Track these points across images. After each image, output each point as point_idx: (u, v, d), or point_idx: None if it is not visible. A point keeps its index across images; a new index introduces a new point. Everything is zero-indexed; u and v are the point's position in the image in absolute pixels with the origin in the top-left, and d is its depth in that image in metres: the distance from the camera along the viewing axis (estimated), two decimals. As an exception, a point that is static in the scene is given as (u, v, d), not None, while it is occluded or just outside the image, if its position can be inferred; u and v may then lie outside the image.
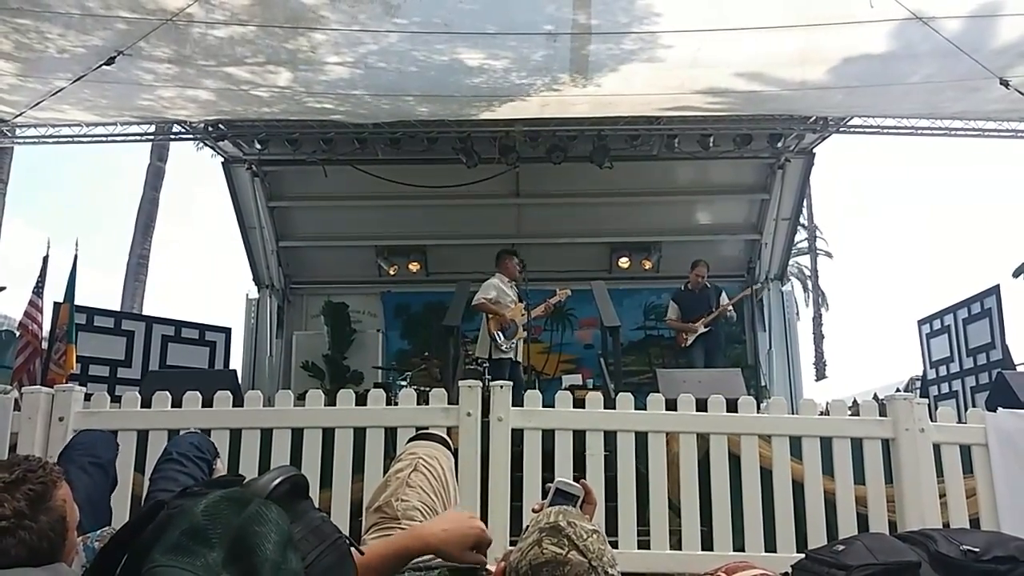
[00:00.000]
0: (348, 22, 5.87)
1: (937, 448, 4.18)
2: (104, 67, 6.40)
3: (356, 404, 4.27)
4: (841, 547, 2.76)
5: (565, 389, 4.64)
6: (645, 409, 4.28)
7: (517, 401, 4.20)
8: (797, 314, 13.68)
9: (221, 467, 3.10)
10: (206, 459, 2.93)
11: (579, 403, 4.29)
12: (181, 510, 1.30)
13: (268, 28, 5.97)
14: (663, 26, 5.90)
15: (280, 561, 1.25)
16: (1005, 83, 6.57)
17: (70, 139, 9.28)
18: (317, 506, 1.58)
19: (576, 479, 1.90)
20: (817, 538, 3.98)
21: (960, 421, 4.38)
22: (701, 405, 4.26)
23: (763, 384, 10.33)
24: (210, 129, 9.85)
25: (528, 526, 1.57)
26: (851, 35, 6.02)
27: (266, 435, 4.15)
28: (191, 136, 10.40)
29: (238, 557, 1.23)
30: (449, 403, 4.19)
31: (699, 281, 9.19)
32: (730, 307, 9.18)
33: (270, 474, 1.43)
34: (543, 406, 4.25)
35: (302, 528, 1.40)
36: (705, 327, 9.03)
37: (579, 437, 4.16)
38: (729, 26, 5.90)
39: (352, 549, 1.57)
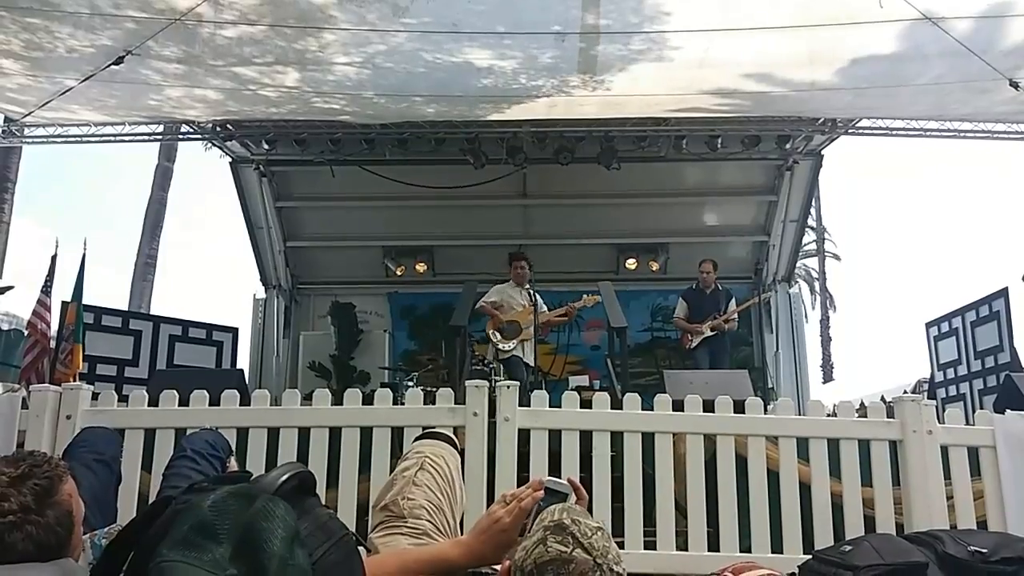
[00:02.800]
0: (357, 22, 5.88)
1: (945, 450, 4.17)
2: (113, 67, 6.42)
3: (363, 404, 4.28)
4: (848, 547, 2.75)
5: (572, 390, 4.64)
6: (652, 410, 4.28)
7: (524, 401, 4.21)
8: (805, 316, 13.69)
9: (234, 465, 3.09)
10: (219, 457, 2.92)
11: (586, 404, 4.29)
12: (188, 505, 1.30)
13: (277, 28, 5.98)
14: (672, 26, 5.90)
15: (287, 557, 1.25)
16: (1015, 84, 6.54)
17: (79, 139, 9.31)
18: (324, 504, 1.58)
19: (581, 480, 1.89)
20: (824, 540, 3.97)
21: (968, 423, 4.37)
22: (708, 406, 4.26)
23: (770, 386, 10.29)
24: (218, 129, 9.86)
25: (532, 524, 1.57)
26: (860, 35, 6.00)
27: (273, 435, 4.16)
28: (199, 136, 10.42)
29: (245, 552, 1.22)
30: (456, 403, 4.20)
31: (707, 280, 9.13)
32: (734, 316, 9.12)
33: (278, 470, 1.43)
34: (550, 406, 4.25)
35: (309, 524, 1.40)
36: (711, 331, 8.99)
37: (586, 438, 4.16)
38: (738, 26, 5.90)
39: (359, 547, 1.57)
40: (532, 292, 8.06)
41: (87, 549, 2.13)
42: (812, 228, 26.28)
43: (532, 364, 8.05)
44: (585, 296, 8.31)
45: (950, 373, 9.93)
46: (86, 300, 8.59)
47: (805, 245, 23.61)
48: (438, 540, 2.06)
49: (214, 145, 10.56)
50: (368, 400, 4.31)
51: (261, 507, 1.30)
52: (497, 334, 7.98)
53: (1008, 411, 4.37)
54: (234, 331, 10.61)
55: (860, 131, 9.69)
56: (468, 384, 4.21)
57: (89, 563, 2.01)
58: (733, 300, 9.24)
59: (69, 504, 1.83)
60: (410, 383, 8.35)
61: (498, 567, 1.75)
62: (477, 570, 1.82)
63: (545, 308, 8.20)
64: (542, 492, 1.74)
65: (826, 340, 30.04)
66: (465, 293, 8.38)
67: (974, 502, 4.13)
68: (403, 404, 4.39)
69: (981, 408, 6.44)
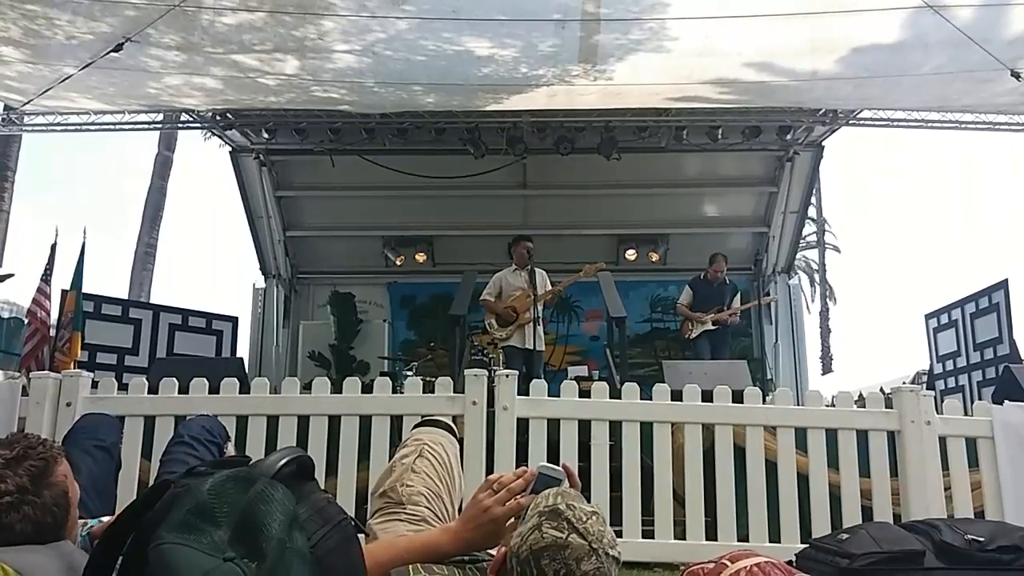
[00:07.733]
0: (357, 9, 5.86)
1: (943, 441, 4.18)
2: (112, 54, 6.40)
3: (362, 392, 4.28)
4: (845, 536, 2.77)
5: (571, 380, 4.65)
6: (651, 399, 4.29)
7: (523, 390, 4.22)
8: (806, 308, 13.70)
9: (232, 451, 3.09)
10: (217, 443, 2.93)
11: (585, 394, 4.30)
12: (187, 489, 1.30)
13: (277, 15, 5.96)
14: (672, 14, 5.88)
15: (286, 540, 1.26)
16: (1016, 75, 6.52)
17: (78, 127, 9.28)
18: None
19: (580, 469, 1.89)
20: (821, 530, 3.99)
21: (966, 415, 4.37)
22: (707, 396, 4.27)
23: (769, 377, 10.28)
24: (218, 118, 9.84)
25: (527, 509, 1.57)
26: (862, 24, 5.98)
27: (272, 423, 4.17)
28: (199, 125, 10.41)
29: (244, 535, 1.23)
30: (455, 392, 4.20)
31: (718, 276, 9.08)
32: (737, 314, 9.07)
33: (276, 455, 1.43)
34: (549, 396, 4.26)
35: (307, 509, 1.40)
36: (713, 324, 8.95)
37: (585, 427, 4.17)
38: (739, 13, 5.87)
39: (358, 532, 1.57)
40: (532, 272, 7.77)
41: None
42: (812, 220, 26.24)
43: (533, 349, 7.64)
44: (586, 267, 8.25)
45: (949, 365, 9.93)
46: (86, 289, 8.60)
47: (805, 237, 23.60)
48: (435, 527, 2.06)
49: (214, 134, 10.56)
50: (367, 389, 4.32)
51: (260, 491, 1.30)
52: (493, 323, 7.99)
53: (1006, 402, 4.38)
54: (234, 320, 10.62)
55: (861, 122, 9.67)
56: (467, 373, 4.22)
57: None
58: (739, 295, 9.19)
59: (65, 485, 1.84)
60: (409, 373, 8.34)
61: (492, 552, 1.75)
62: (474, 556, 1.82)
63: (550, 285, 8.07)
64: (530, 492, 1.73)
65: (825, 332, 30.02)
66: (464, 283, 8.38)
67: (972, 492, 4.14)
68: (402, 393, 4.39)
69: (980, 400, 6.45)
